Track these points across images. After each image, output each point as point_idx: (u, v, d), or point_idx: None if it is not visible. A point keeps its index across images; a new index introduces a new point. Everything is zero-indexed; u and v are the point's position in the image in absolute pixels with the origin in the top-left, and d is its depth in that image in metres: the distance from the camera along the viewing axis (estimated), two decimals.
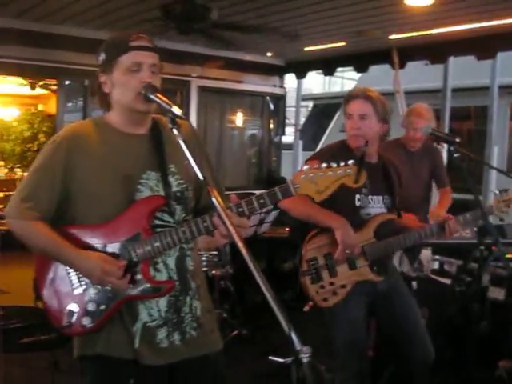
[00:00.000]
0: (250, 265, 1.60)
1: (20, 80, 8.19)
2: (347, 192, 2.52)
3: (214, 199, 1.70)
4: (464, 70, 7.34)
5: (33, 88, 8.27)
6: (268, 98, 7.17)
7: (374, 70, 7.20)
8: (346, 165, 1.79)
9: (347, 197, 2.77)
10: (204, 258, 4.81)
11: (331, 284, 2.85)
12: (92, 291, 1.94)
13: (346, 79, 14.43)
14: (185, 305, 2.05)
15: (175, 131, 1.81)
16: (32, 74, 6.12)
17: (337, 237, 2.76)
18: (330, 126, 10.67)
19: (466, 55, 5.41)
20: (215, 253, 4.90)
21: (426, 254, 4.55)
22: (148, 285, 1.94)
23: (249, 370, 4.26)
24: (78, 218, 1.98)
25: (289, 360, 1.43)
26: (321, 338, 2.90)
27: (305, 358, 1.42)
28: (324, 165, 1.80)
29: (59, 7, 4.51)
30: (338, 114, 10.61)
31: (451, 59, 6.30)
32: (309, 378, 1.38)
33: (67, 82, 5.67)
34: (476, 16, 4.50)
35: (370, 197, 2.90)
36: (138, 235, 1.93)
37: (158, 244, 1.91)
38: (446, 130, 6.68)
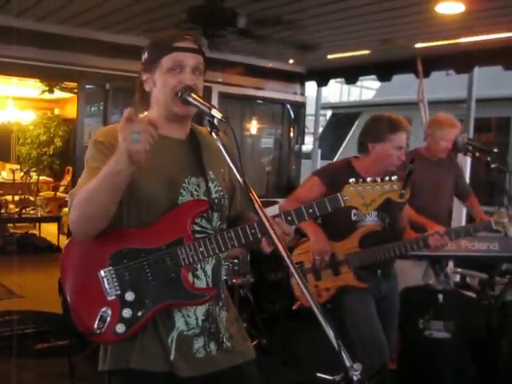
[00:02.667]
0: (296, 277, 1.56)
1: (37, 84, 8.23)
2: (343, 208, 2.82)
3: (256, 206, 1.65)
4: (487, 81, 7.27)
5: (51, 91, 8.31)
6: (289, 105, 7.11)
7: (395, 79, 7.15)
8: (391, 180, 1.86)
9: (344, 210, 2.84)
10: (224, 267, 4.74)
11: (315, 286, 3.17)
12: (128, 296, 1.85)
13: (364, 88, 14.39)
14: (218, 315, 2.00)
15: (214, 135, 1.76)
16: (52, 77, 6.12)
17: (310, 244, 3.14)
18: (349, 134, 10.62)
19: (492, 65, 5.33)
20: (236, 261, 4.84)
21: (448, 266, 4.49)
22: (189, 291, 1.87)
23: (268, 380, 4.19)
24: (121, 220, 1.89)
25: (338, 377, 1.36)
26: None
27: (355, 375, 1.36)
28: (369, 179, 1.86)
29: (82, 10, 4.49)
30: (356, 123, 10.57)
31: (476, 69, 6.24)
32: None
33: (88, 86, 5.63)
34: (504, 25, 4.44)
35: None
36: (180, 239, 1.86)
37: (202, 249, 1.85)
38: None
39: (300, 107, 7.18)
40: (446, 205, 4.16)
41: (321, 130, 10.73)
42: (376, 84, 11.47)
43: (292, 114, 7.16)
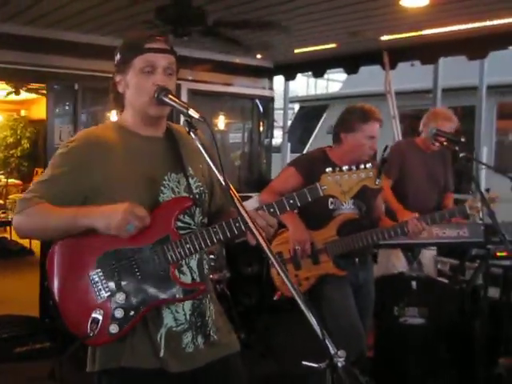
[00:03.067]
0: (278, 268, 1.60)
1: (3, 85, 8.09)
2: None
3: (236, 201, 1.69)
4: (451, 71, 7.40)
5: (17, 93, 8.18)
6: (257, 100, 7.13)
7: (361, 70, 7.22)
8: (366, 168, 1.89)
9: (321, 199, 2.93)
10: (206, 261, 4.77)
11: (296, 276, 3.21)
12: (119, 297, 1.87)
13: (330, 81, 14.48)
14: (206, 308, 2.03)
15: (192, 135, 1.80)
16: (20, 78, 6.03)
17: (289, 234, 3.17)
18: (317, 127, 10.70)
19: (456, 55, 5.44)
20: (212, 257, 4.87)
21: (429, 254, 4.55)
22: (178, 287, 1.90)
23: (251, 373, 4.23)
24: None
25: (323, 364, 1.41)
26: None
27: (340, 361, 1.41)
28: (345, 168, 1.88)
29: (50, 10, 4.43)
30: (324, 116, 10.66)
31: (441, 60, 6.37)
32: (345, 381, 1.37)
33: (56, 87, 5.58)
34: (468, 17, 4.53)
35: None
36: (167, 237, 1.89)
37: (189, 246, 1.88)
38: None
39: (269, 101, 7.21)
40: (436, 196, 4.27)
41: (289, 123, 10.82)
42: (342, 76, 11.56)
43: (261, 108, 7.18)
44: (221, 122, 7.09)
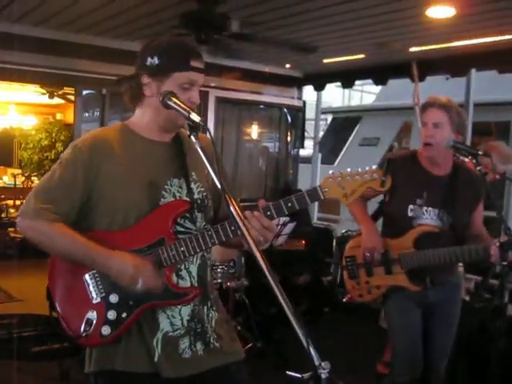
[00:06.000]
0: (268, 275, 1.56)
1: (39, 89, 8.29)
2: (402, 201, 2.84)
3: (231, 207, 1.66)
4: (486, 85, 7.28)
5: (51, 97, 8.36)
6: (286, 109, 7.13)
7: (395, 83, 7.15)
8: (372, 169, 1.81)
9: (401, 205, 2.90)
10: (219, 270, 4.77)
11: (366, 283, 3.06)
12: (112, 299, 1.89)
13: (365, 92, 14.40)
14: (204, 314, 2.02)
15: (193, 138, 1.78)
16: (50, 82, 6.17)
17: (361, 239, 3.03)
18: (350, 139, 10.63)
19: (487, 69, 5.35)
20: (231, 265, 4.86)
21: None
22: (171, 291, 1.90)
23: (262, 383, 4.19)
24: (97, 222, 1.93)
25: (307, 375, 1.38)
26: (338, 352, 2.94)
27: (323, 373, 1.38)
28: (349, 169, 1.82)
29: (78, 16, 4.53)
30: (357, 128, 10.59)
31: (474, 73, 6.25)
32: None
33: (85, 92, 5.68)
34: (496, 29, 4.45)
35: (424, 208, 2.88)
36: (162, 240, 1.89)
37: (183, 249, 1.87)
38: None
39: (297, 111, 7.20)
40: None
41: (321, 134, 10.77)
42: (377, 89, 11.48)
43: (289, 118, 7.18)
44: (250, 130, 7.10)
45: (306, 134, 7.89)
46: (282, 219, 5.13)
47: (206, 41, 4.02)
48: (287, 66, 6.53)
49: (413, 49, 5.23)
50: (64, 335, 1.96)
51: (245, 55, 5.89)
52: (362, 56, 5.64)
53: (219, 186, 1.70)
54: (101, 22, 4.69)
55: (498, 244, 2.66)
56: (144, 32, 4.83)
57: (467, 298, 4.36)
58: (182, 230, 1.97)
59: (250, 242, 1.60)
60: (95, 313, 1.89)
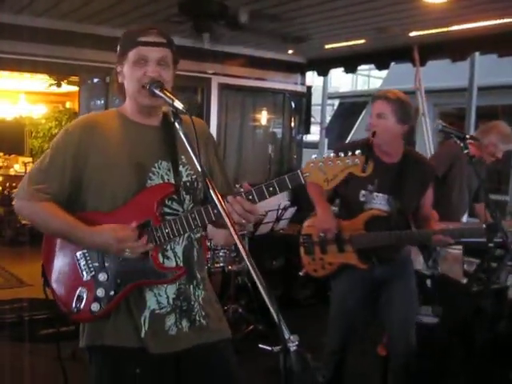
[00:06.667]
0: (244, 256, 1.62)
1: (47, 78, 8.36)
2: (355, 187, 3.00)
3: (211, 190, 1.73)
4: (492, 68, 7.25)
5: (59, 85, 8.43)
6: (289, 95, 7.15)
7: (401, 68, 7.13)
8: (354, 155, 1.81)
9: (354, 191, 3.10)
10: (221, 254, 4.86)
11: (321, 259, 3.30)
12: (101, 277, 1.98)
13: (372, 77, 14.33)
14: (191, 293, 2.09)
15: (177, 125, 1.86)
16: (54, 71, 6.23)
17: (316, 220, 3.26)
18: (356, 124, 10.61)
19: (487, 53, 5.34)
20: (232, 248, 4.94)
21: (455, 254, 4.49)
22: (157, 270, 1.98)
23: (263, 365, 4.27)
24: (89, 204, 2.02)
25: (277, 348, 1.46)
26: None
27: (292, 346, 1.45)
28: (332, 155, 1.83)
29: (81, 5, 4.59)
30: (363, 113, 10.56)
31: (478, 57, 6.24)
32: (295, 365, 1.41)
33: (89, 80, 5.75)
34: (496, 12, 4.44)
35: (375, 194, 3.10)
36: (148, 222, 1.96)
37: (167, 230, 1.95)
38: (472, 130, 6.63)
39: (301, 97, 7.21)
40: (467, 205, 4.32)
41: (328, 119, 10.77)
42: (384, 73, 11.44)
43: (293, 103, 7.21)
44: (254, 116, 7.13)
45: (312, 119, 7.91)
46: (283, 203, 5.21)
47: (204, 29, 4.07)
48: (290, 51, 6.54)
49: (413, 33, 5.23)
50: (58, 312, 2.05)
51: (247, 42, 5.92)
52: (362, 41, 5.65)
53: (199, 169, 1.76)
54: (102, 12, 4.75)
55: (441, 230, 2.96)
56: (143, 21, 4.88)
57: (464, 281, 4.39)
58: (170, 211, 2.03)
59: (229, 225, 1.67)
60: (86, 290, 1.98)
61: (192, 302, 2.09)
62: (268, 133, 7.29)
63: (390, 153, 3.09)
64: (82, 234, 1.95)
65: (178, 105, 1.85)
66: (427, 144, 5.92)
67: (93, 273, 1.99)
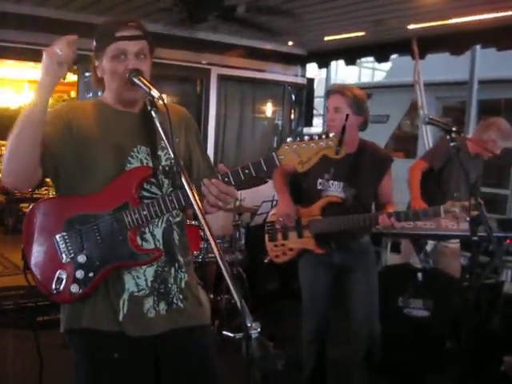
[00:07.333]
0: (212, 241, 1.65)
1: None
2: (313, 175, 3.19)
3: (182, 177, 1.77)
4: (494, 62, 7.20)
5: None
6: (289, 87, 7.13)
7: (405, 60, 7.08)
8: (328, 137, 1.84)
9: (312, 179, 3.29)
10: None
11: (282, 245, 3.48)
12: (80, 259, 2.00)
13: (376, 70, 14.28)
14: (170, 276, 2.11)
15: (153, 113, 1.88)
16: None
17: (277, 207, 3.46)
18: None
19: (487, 46, 5.31)
20: (226, 239, 4.96)
21: (453, 248, 4.48)
22: (134, 252, 2.00)
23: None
24: (69, 186, 2.04)
25: (239, 335, 1.46)
26: None
27: (254, 333, 1.46)
28: (306, 137, 1.86)
29: None
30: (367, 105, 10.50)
31: (481, 51, 6.19)
32: (256, 352, 1.42)
33: (87, 71, 5.76)
34: (497, 5, 4.41)
35: (330, 182, 3.27)
36: (126, 204, 1.99)
37: (145, 212, 1.97)
38: (472, 124, 6.60)
39: (301, 89, 7.19)
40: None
41: None
42: (388, 66, 11.38)
43: (293, 96, 7.19)
44: (253, 108, 7.10)
45: (315, 111, 7.88)
46: None
47: (200, 20, 4.07)
48: (290, 43, 6.53)
49: (411, 26, 5.20)
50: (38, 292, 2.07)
51: (246, 32, 5.91)
52: (362, 33, 5.63)
53: (172, 156, 1.79)
54: (99, 2, 4.75)
55: (387, 214, 3.05)
56: (140, 12, 4.88)
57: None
58: (148, 195, 2.06)
59: (197, 210, 1.71)
60: (65, 272, 2.00)
61: (169, 285, 2.10)
62: (267, 125, 7.27)
63: (346, 143, 3.14)
64: (35, 97, 1.89)
65: (155, 93, 1.87)
66: (425, 137, 5.89)
67: (72, 255, 2.01)
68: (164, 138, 1.84)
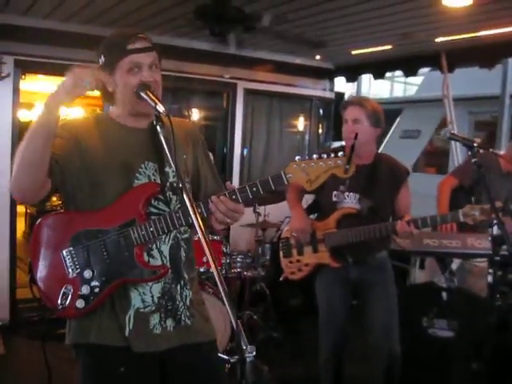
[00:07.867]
0: (210, 259, 1.63)
1: None
2: (328, 188, 3.13)
3: (184, 194, 1.77)
4: None
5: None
6: (317, 101, 7.07)
7: (436, 75, 6.95)
8: (337, 156, 1.85)
9: (327, 193, 3.26)
10: (238, 259, 4.84)
11: (298, 261, 3.43)
12: (86, 274, 2.00)
13: (408, 84, 14.13)
14: (177, 293, 2.10)
15: (158, 128, 1.89)
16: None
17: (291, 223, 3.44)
18: (391, 131, 10.44)
19: None
20: (249, 254, 4.93)
21: (481, 268, 4.35)
22: (141, 269, 2.00)
23: (278, 373, 4.23)
24: (77, 200, 2.05)
25: (233, 359, 1.42)
26: None
27: (249, 357, 1.42)
28: (315, 156, 1.86)
29: (100, 12, 4.65)
30: (398, 120, 10.39)
31: (511, 64, 6.07)
32: (249, 376, 1.38)
33: None
34: None
35: (346, 193, 3.24)
36: (133, 220, 1.99)
37: (152, 229, 1.97)
38: (504, 138, 6.45)
39: (329, 103, 7.13)
40: None
41: None
42: (420, 80, 11.24)
43: (321, 110, 7.14)
44: (280, 122, 7.05)
45: None
46: None
47: (220, 34, 4.07)
48: (317, 57, 6.48)
49: (439, 39, 5.10)
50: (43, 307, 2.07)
51: (272, 47, 5.89)
52: (389, 47, 5.55)
53: (177, 176, 1.78)
54: (121, 19, 4.78)
55: (406, 221, 2.97)
56: (164, 28, 4.92)
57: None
58: (155, 211, 2.06)
59: (198, 230, 1.70)
60: (71, 287, 2.00)
61: (177, 302, 2.10)
62: (294, 139, 7.22)
63: (362, 155, 3.19)
64: (41, 112, 1.87)
65: (160, 108, 1.88)
66: (454, 153, 5.77)
67: (78, 270, 2.01)
68: (168, 153, 1.84)
